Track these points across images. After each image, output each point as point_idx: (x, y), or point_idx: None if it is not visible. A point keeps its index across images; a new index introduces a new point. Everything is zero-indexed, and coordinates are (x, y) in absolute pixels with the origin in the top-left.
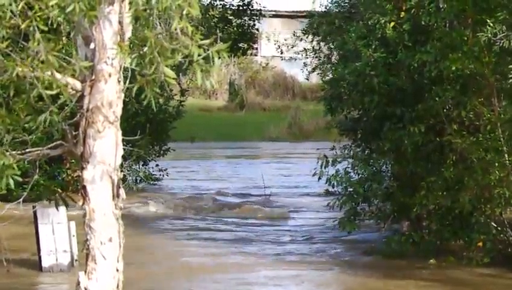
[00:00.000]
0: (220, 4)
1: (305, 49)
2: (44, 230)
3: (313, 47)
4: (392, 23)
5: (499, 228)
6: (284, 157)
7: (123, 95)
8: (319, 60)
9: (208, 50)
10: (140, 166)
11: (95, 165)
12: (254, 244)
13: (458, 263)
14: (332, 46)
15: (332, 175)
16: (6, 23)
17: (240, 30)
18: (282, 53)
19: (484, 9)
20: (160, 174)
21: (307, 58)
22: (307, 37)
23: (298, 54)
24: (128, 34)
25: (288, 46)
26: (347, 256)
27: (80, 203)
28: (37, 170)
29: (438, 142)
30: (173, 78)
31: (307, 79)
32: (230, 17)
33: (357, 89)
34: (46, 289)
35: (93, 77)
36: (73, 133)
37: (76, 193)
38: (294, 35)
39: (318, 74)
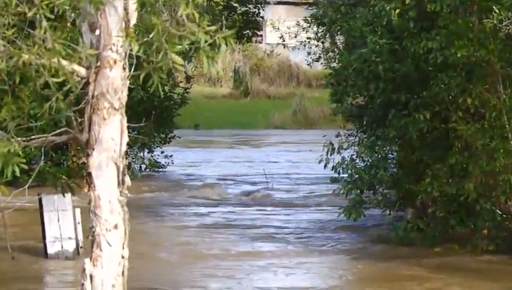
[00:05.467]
0: None
1: (308, 38)
2: (50, 217)
3: (317, 34)
4: (398, 10)
5: (504, 215)
6: (288, 145)
7: (128, 81)
8: (324, 48)
9: (215, 36)
10: (146, 153)
11: (101, 152)
12: (258, 232)
13: (463, 250)
14: (337, 34)
15: (338, 162)
16: (12, 10)
17: (244, 18)
18: (284, 41)
19: None
20: (165, 162)
21: (310, 48)
22: (309, 27)
23: (302, 42)
24: (133, 20)
25: (290, 35)
26: (352, 244)
27: (85, 190)
28: (43, 157)
29: (443, 129)
30: (180, 65)
31: (310, 66)
32: (235, 5)
33: (363, 76)
34: (51, 276)
35: (99, 64)
36: (79, 120)
37: (81, 179)
38: (298, 24)
39: (321, 63)
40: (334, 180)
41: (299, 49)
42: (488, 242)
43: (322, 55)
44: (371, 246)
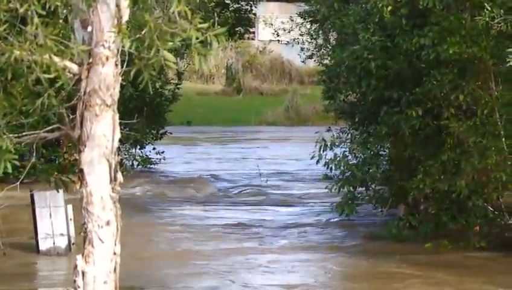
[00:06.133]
0: None
1: (302, 34)
2: (42, 213)
3: (310, 32)
4: (390, 7)
5: (496, 212)
6: (281, 142)
7: (120, 78)
8: (316, 44)
9: (206, 34)
10: (137, 150)
11: (93, 148)
12: (247, 230)
13: (455, 247)
14: (330, 30)
15: (330, 159)
16: (3, 7)
17: (237, 14)
18: (278, 36)
19: None
20: (157, 158)
21: (304, 43)
22: (302, 24)
23: (295, 39)
24: (125, 17)
25: (284, 30)
26: (344, 240)
27: (77, 186)
28: (34, 153)
29: (435, 126)
30: (173, 62)
31: (304, 62)
32: (228, 2)
33: (355, 73)
34: (43, 272)
35: (91, 60)
36: (71, 116)
37: (73, 176)
38: (291, 19)
39: (315, 60)
40: (326, 177)
41: (292, 45)
42: (480, 239)
43: (314, 52)
44: (362, 242)
